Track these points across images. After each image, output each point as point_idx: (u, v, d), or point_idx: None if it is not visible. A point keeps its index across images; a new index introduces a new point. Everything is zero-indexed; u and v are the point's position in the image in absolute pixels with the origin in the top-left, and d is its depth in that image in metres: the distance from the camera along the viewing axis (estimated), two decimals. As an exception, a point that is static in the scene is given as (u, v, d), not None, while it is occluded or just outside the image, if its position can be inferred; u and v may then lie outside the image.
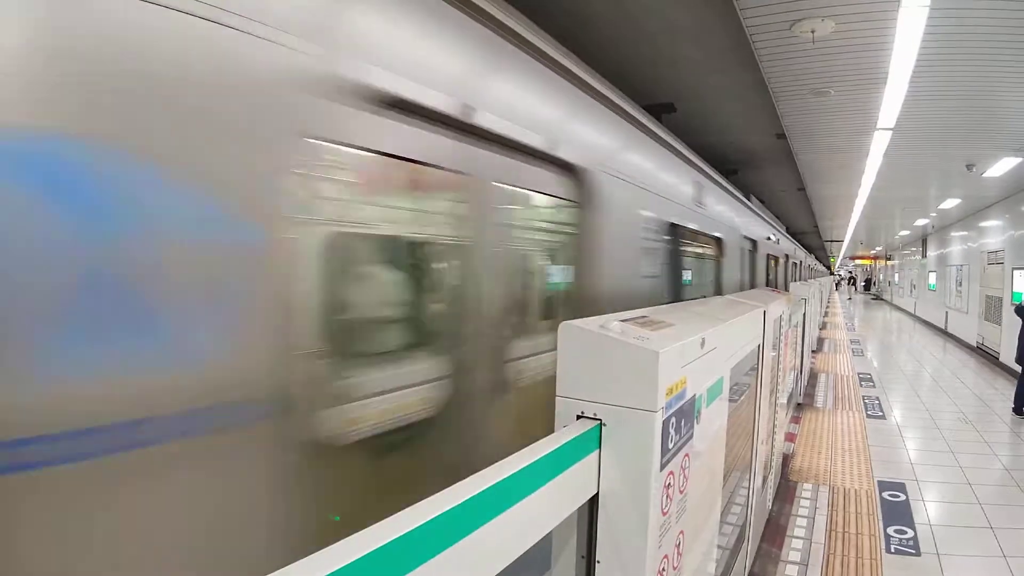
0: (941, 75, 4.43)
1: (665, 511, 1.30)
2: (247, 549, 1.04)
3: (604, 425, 1.21)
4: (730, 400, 2.03)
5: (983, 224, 12.47)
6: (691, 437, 1.46)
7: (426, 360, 1.68)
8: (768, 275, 8.75)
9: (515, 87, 1.93)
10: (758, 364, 2.75)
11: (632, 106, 2.99)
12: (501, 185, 1.84)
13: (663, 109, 5.25)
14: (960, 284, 14.27)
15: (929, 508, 4.41)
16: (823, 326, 16.35)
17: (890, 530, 4.01)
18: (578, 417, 1.23)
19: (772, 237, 8.97)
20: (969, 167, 7.63)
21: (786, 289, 7.75)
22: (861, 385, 8.96)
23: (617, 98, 2.72)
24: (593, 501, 1.22)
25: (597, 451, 1.20)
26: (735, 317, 2.14)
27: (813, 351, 10.64)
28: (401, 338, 1.68)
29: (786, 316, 3.93)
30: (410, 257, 1.74)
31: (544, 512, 1.05)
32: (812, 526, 4.06)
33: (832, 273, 38.73)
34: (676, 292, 3.93)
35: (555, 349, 1.27)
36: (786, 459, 5.18)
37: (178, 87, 0.94)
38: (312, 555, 0.65)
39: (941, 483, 4.93)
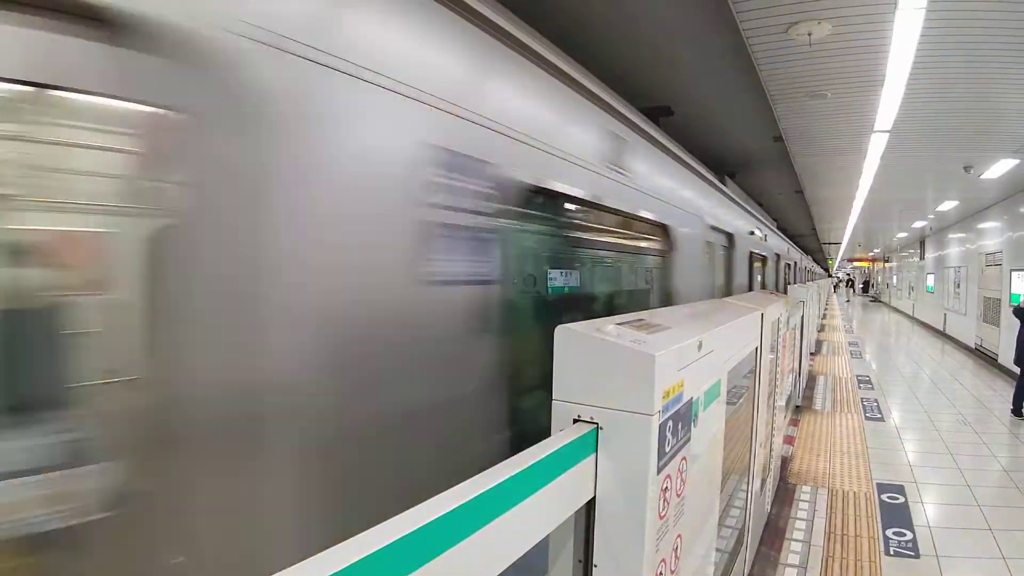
0: (938, 77, 4.45)
1: (662, 515, 1.29)
2: None
3: (600, 429, 1.20)
4: (728, 403, 2.03)
5: (981, 226, 12.50)
6: (688, 440, 1.45)
7: None
8: (752, 279, 6.87)
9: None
10: (756, 367, 2.75)
11: None
12: None
13: (660, 112, 5.25)
14: (958, 286, 14.29)
15: (928, 510, 4.40)
16: (821, 328, 16.37)
17: (889, 532, 4.00)
18: (574, 421, 1.22)
19: (758, 232, 7.08)
20: (967, 169, 7.65)
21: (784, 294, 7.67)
22: (860, 387, 8.96)
23: None
24: (590, 505, 1.22)
25: (594, 455, 1.20)
26: (733, 320, 2.13)
27: (811, 353, 10.64)
28: None
29: (784, 318, 3.92)
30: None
31: (541, 516, 1.04)
32: (811, 529, 4.05)
33: (830, 275, 38.77)
34: (543, 308, 2.19)
35: None
36: (785, 462, 5.18)
37: None
38: (299, 563, 0.64)
39: (940, 485, 4.93)
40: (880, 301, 35.36)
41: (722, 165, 7.25)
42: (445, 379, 1.40)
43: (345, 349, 1.12)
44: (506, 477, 0.94)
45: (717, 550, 2.09)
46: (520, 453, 1.04)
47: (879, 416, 7.22)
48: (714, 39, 4.20)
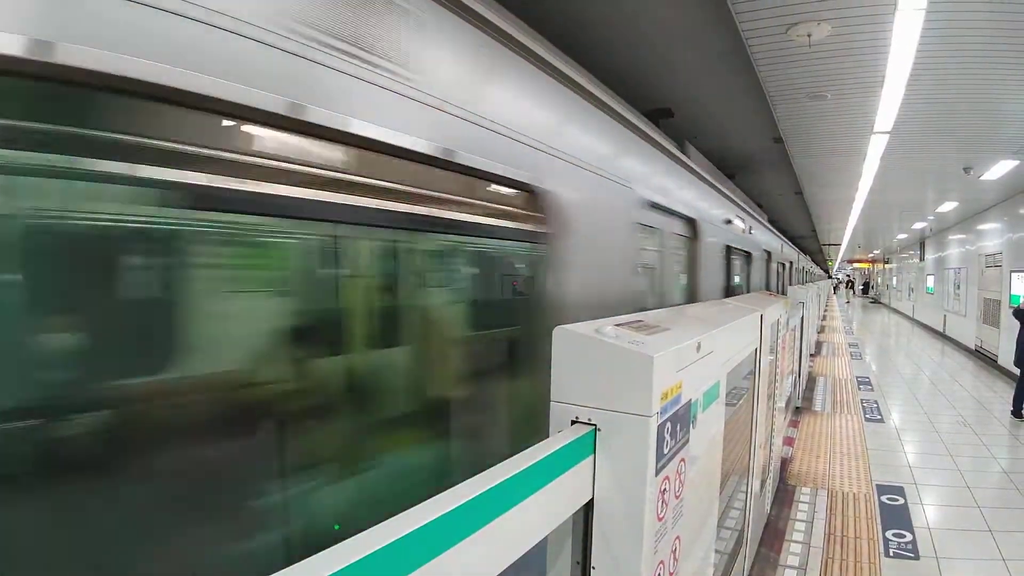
0: (938, 78, 4.45)
1: (661, 516, 1.29)
2: None
3: (599, 430, 1.20)
4: (727, 404, 2.03)
5: (981, 227, 12.50)
6: (687, 442, 1.45)
7: None
8: (729, 282, 5.34)
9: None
10: (755, 368, 2.75)
11: None
12: None
13: (660, 114, 5.25)
14: (958, 287, 14.29)
15: (928, 512, 4.40)
16: (821, 329, 16.36)
17: (889, 534, 4.00)
18: (572, 422, 1.22)
19: (738, 221, 5.55)
20: (966, 170, 7.65)
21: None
22: (859, 388, 8.96)
23: None
24: (588, 507, 1.22)
25: (592, 456, 1.20)
26: (732, 321, 2.13)
27: (811, 354, 10.64)
28: None
29: (784, 319, 3.92)
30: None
31: (538, 518, 1.04)
32: (811, 530, 4.05)
33: (830, 277, 38.76)
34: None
35: None
36: (784, 463, 5.17)
37: None
38: (299, 563, 0.64)
39: (940, 486, 4.93)
40: (880, 302, 35.36)
41: (722, 167, 7.25)
42: None
43: None
44: (504, 478, 0.94)
45: (716, 551, 2.09)
46: (518, 454, 1.04)
47: (879, 417, 7.21)
48: (713, 40, 4.20)
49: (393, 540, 0.72)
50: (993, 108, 5.18)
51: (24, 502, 0.96)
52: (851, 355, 12.56)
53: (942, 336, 15.82)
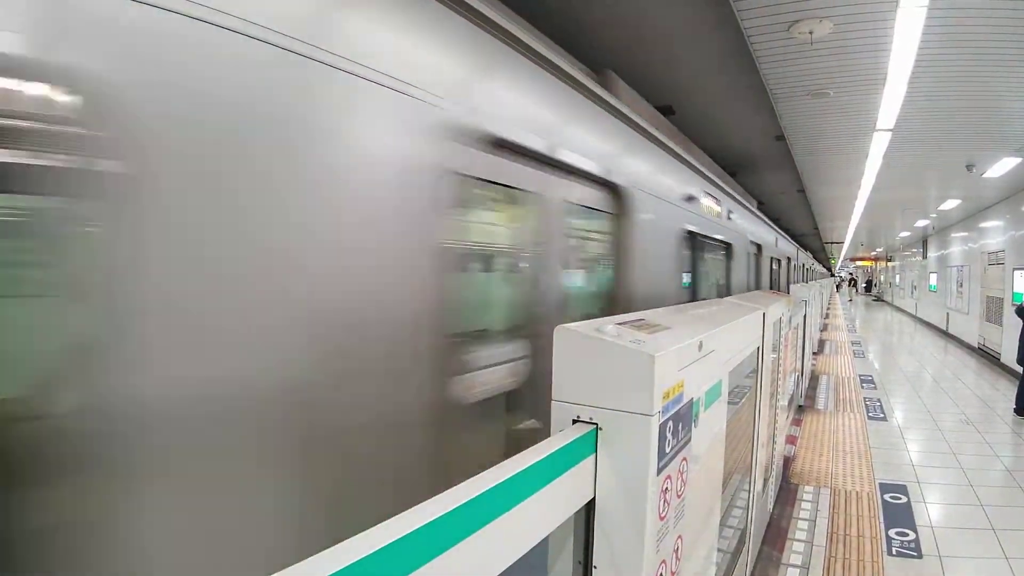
0: (940, 75, 4.43)
1: (663, 516, 1.29)
2: None
3: (600, 429, 1.20)
4: (729, 403, 2.02)
5: (983, 225, 12.46)
6: (689, 441, 1.45)
7: None
8: (696, 283, 4.40)
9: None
10: (758, 366, 2.74)
11: None
12: None
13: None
14: (961, 285, 14.26)
15: (931, 510, 4.39)
16: (824, 328, 16.33)
17: (892, 532, 3.99)
18: (574, 421, 1.22)
19: (713, 204, 4.55)
20: (969, 168, 7.63)
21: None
22: (862, 387, 8.94)
23: None
24: (590, 506, 1.21)
25: (593, 455, 1.19)
26: (734, 319, 2.13)
27: (814, 353, 10.62)
28: None
29: (786, 318, 3.91)
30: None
31: (540, 517, 1.04)
32: (813, 529, 4.04)
33: (833, 275, 38.70)
34: None
35: None
36: (787, 462, 5.17)
37: None
38: (299, 563, 0.64)
39: (943, 485, 4.92)
40: (883, 300, 35.29)
41: (724, 165, 7.24)
42: None
43: None
44: (505, 477, 0.94)
45: (719, 550, 2.08)
46: (520, 453, 1.04)
47: (882, 416, 7.20)
48: (715, 38, 4.20)
49: (393, 540, 0.71)
50: (995, 105, 5.16)
51: None
52: (854, 353, 12.54)
53: (945, 334, 15.78)
